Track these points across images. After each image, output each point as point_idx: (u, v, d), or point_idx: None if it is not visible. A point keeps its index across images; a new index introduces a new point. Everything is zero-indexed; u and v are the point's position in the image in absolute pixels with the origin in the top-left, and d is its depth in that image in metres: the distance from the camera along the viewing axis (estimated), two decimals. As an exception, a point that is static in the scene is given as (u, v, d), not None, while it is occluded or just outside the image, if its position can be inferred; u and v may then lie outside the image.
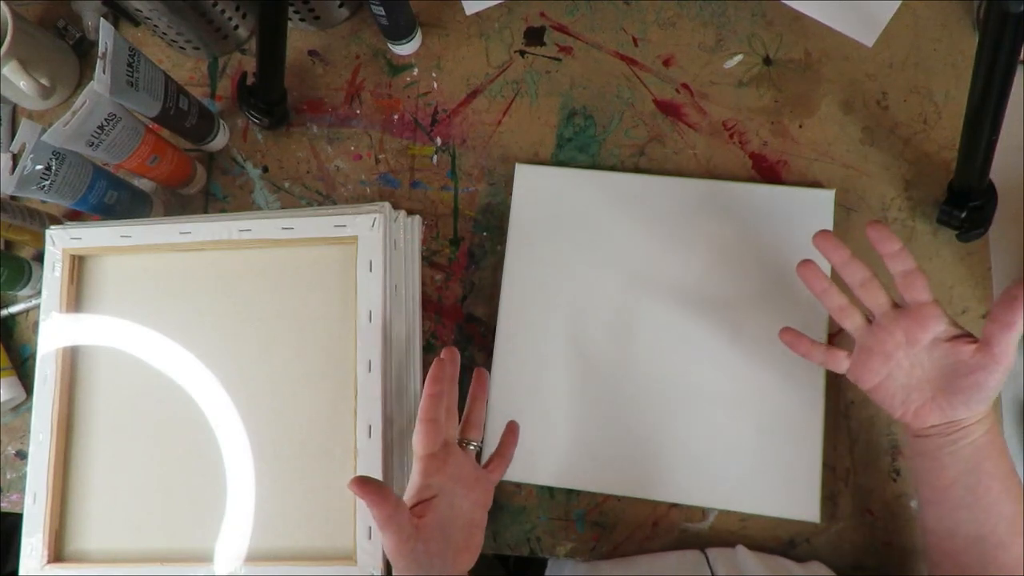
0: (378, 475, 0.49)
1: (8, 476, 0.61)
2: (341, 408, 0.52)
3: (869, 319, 0.48)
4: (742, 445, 0.54)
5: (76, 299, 0.56)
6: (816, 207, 0.56)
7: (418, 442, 0.45)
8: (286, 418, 0.52)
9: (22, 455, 0.61)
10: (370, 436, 0.50)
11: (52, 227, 0.56)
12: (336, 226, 0.52)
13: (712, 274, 0.56)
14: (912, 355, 0.45)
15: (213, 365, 0.54)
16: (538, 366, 0.56)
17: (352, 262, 0.52)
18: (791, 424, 0.53)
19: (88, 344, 0.55)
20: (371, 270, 0.52)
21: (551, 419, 0.55)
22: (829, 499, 0.54)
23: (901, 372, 0.46)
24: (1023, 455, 0.53)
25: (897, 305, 0.46)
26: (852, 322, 0.48)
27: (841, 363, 0.48)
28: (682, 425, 0.54)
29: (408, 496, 0.45)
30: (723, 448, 0.54)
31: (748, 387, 0.54)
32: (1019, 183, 0.57)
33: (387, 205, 0.54)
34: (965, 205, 0.53)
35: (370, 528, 0.49)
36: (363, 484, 0.41)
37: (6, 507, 0.61)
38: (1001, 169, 0.52)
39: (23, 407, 0.62)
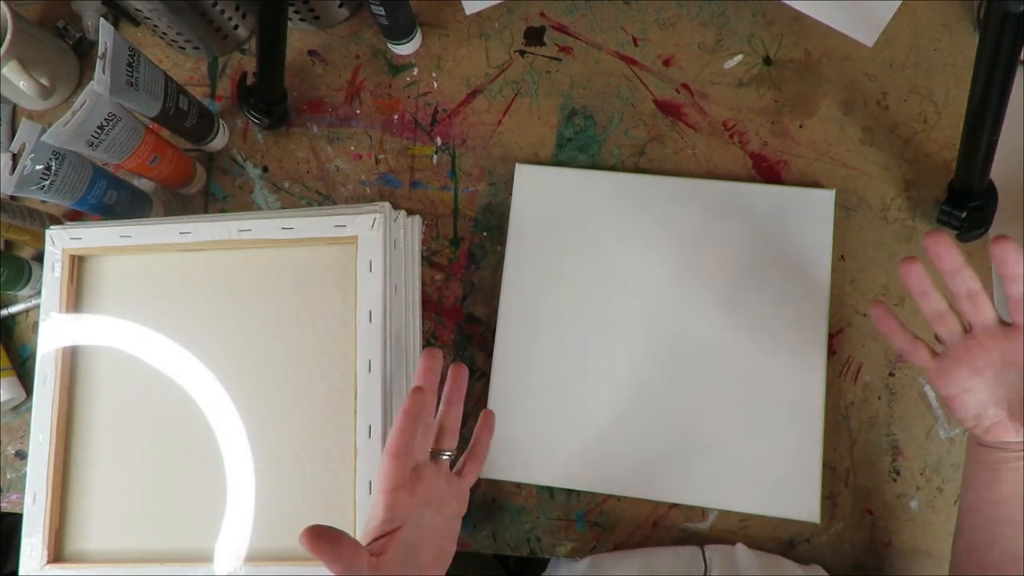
0: None
1: (8, 476, 0.61)
2: (341, 408, 0.52)
3: (966, 328, 0.44)
4: (742, 445, 0.54)
5: (76, 299, 0.56)
6: (816, 207, 0.56)
7: (384, 477, 0.42)
8: (286, 418, 0.52)
9: (22, 455, 0.61)
10: (370, 436, 0.50)
11: (52, 227, 0.56)
12: (336, 226, 0.52)
13: (712, 274, 0.56)
14: (1003, 375, 0.42)
15: (213, 365, 0.54)
16: (538, 366, 0.56)
17: (352, 262, 0.52)
18: (791, 424, 0.53)
19: (88, 344, 0.55)
20: (371, 270, 0.52)
21: (551, 419, 0.55)
22: (829, 499, 0.54)
23: (985, 389, 0.43)
24: (1023, 455, 0.53)
25: (1004, 323, 0.43)
26: (948, 329, 0.44)
27: (922, 358, 0.45)
28: (682, 425, 0.54)
29: (368, 531, 0.42)
30: (723, 448, 0.54)
31: (748, 387, 0.54)
32: (1019, 183, 0.57)
33: (387, 205, 0.54)
34: (965, 205, 0.53)
35: None
36: (314, 539, 0.38)
37: (6, 507, 0.61)
38: (1001, 169, 0.52)
39: (23, 407, 0.62)
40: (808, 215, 0.56)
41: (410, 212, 0.60)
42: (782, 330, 0.55)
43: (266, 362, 0.53)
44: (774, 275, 0.56)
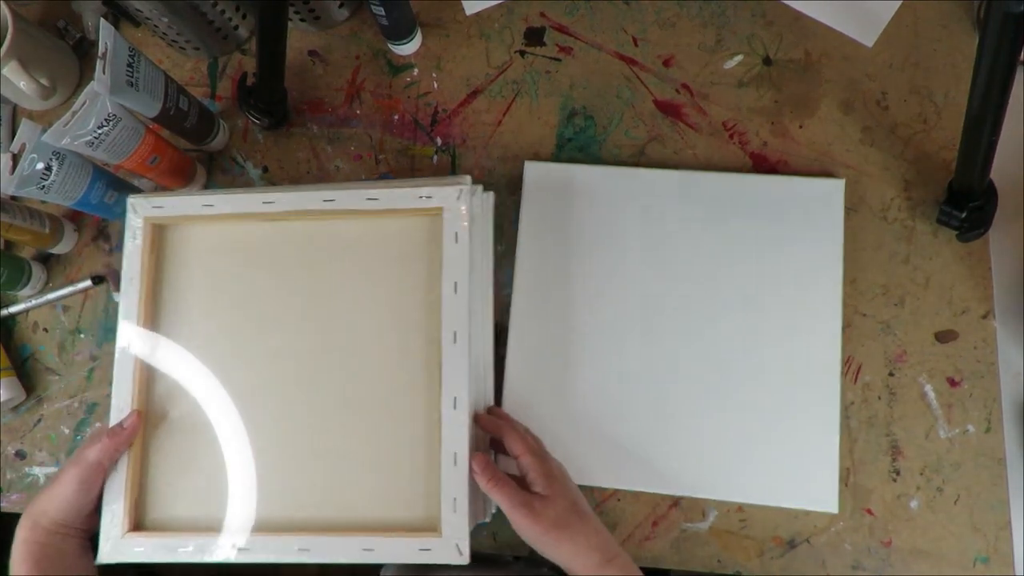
0: (464, 446, 0.49)
1: (8, 476, 0.61)
2: (425, 379, 0.51)
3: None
4: (757, 437, 0.54)
5: (156, 269, 0.55)
6: (827, 196, 0.57)
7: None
8: (369, 389, 0.52)
9: (22, 455, 0.61)
10: (455, 408, 0.49)
11: (133, 196, 0.55)
12: (422, 197, 0.52)
13: (725, 266, 0.56)
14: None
15: (295, 335, 0.53)
16: (552, 362, 0.56)
17: (437, 234, 0.52)
18: (807, 415, 0.54)
19: (168, 316, 0.54)
20: (457, 242, 0.51)
21: (566, 415, 0.55)
22: (829, 499, 0.54)
23: None
24: (1023, 455, 0.53)
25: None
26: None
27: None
28: (697, 419, 0.54)
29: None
30: (738, 441, 0.54)
31: (763, 379, 0.54)
32: (1019, 183, 0.57)
33: (468, 178, 0.53)
34: (965, 205, 0.53)
35: (455, 500, 0.48)
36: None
37: (6, 507, 0.61)
38: (1001, 169, 0.52)
39: (23, 407, 0.62)
40: (819, 205, 0.56)
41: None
42: (795, 320, 0.55)
43: (347, 333, 0.53)
44: (786, 265, 0.56)
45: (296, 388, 0.53)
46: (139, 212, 0.54)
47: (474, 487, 0.49)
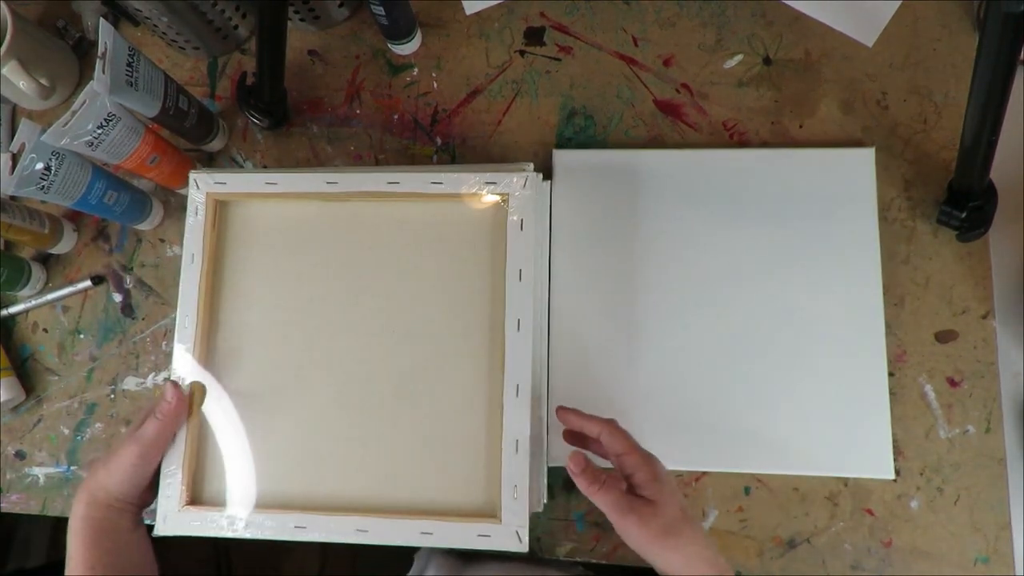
0: (525, 434, 0.48)
1: (8, 476, 0.61)
2: (487, 366, 0.51)
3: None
4: (808, 410, 0.54)
5: (217, 244, 0.55)
6: (858, 166, 0.57)
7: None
8: (431, 373, 0.52)
9: (22, 455, 0.61)
10: (517, 395, 0.49)
11: (195, 171, 0.55)
12: (487, 183, 0.52)
13: (762, 239, 0.57)
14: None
15: (355, 317, 0.53)
16: (594, 348, 0.56)
17: (500, 220, 0.52)
18: (856, 384, 0.54)
19: (227, 293, 0.54)
20: (522, 229, 0.51)
21: (611, 399, 0.56)
22: (829, 499, 0.54)
23: None
24: (1023, 455, 0.53)
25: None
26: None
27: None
28: (747, 395, 0.55)
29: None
30: (791, 414, 0.54)
31: (810, 353, 0.55)
32: (1019, 183, 0.57)
33: (531, 164, 0.53)
34: (965, 205, 0.53)
35: (515, 487, 0.48)
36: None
37: (6, 507, 0.61)
38: (1001, 169, 0.52)
39: (23, 407, 0.62)
40: (851, 173, 0.57)
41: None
42: (836, 289, 0.55)
43: (410, 315, 0.53)
44: (824, 234, 0.56)
45: (357, 368, 0.53)
46: (201, 187, 0.54)
47: (533, 475, 0.48)
